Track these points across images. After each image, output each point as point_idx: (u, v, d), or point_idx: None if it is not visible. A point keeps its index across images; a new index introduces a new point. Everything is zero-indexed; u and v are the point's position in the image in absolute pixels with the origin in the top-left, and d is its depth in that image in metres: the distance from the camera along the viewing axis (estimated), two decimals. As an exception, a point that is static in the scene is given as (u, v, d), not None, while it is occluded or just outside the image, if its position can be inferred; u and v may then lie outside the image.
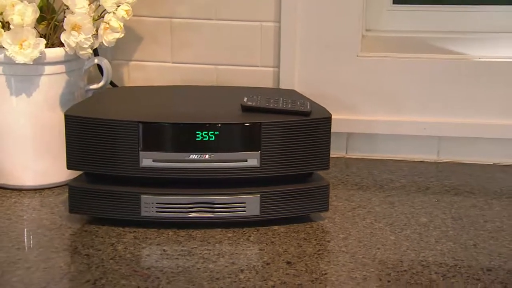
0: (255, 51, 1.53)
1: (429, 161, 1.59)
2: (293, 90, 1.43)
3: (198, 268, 1.10)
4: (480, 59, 1.52)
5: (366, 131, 1.54)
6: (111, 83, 1.42)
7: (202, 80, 1.55)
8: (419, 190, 1.43)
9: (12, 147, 1.32)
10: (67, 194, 1.32)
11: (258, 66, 1.54)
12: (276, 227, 1.24)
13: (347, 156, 1.59)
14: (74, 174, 1.35)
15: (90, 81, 1.40)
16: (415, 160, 1.59)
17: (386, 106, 1.53)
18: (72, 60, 1.32)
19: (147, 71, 1.55)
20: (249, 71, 1.54)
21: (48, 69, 1.29)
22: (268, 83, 1.55)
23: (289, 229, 1.24)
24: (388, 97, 1.53)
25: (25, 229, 1.22)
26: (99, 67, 1.42)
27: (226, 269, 1.10)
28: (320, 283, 1.07)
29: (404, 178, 1.49)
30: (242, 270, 1.10)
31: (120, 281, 1.05)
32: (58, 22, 1.34)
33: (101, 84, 1.39)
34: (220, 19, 1.52)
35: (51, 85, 1.30)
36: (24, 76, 1.28)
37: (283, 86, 1.52)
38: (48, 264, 1.11)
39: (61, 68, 1.31)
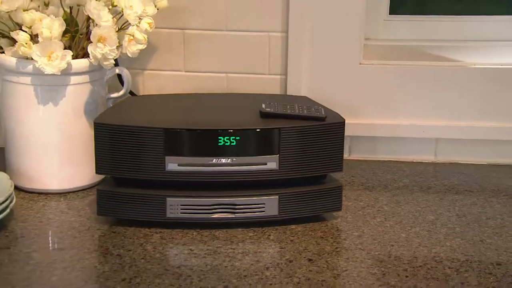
0: (264, 60, 1.52)
1: (427, 161, 1.59)
2: (305, 96, 1.42)
3: (226, 266, 1.09)
4: (475, 66, 1.52)
5: (368, 134, 1.54)
6: (130, 91, 1.41)
7: (213, 87, 1.54)
8: (421, 189, 1.43)
9: (39, 154, 1.30)
10: (91, 197, 1.32)
11: (266, 74, 1.53)
12: (293, 226, 1.24)
13: (350, 158, 1.59)
14: (96, 178, 1.35)
15: (110, 90, 1.39)
16: (414, 161, 1.59)
17: (386, 111, 1.53)
18: (95, 70, 1.30)
19: (160, 79, 1.54)
20: (257, 79, 1.53)
21: (73, 79, 1.28)
22: (276, 90, 1.54)
23: (306, 228, 1.23)
24: (388, 102, 1.53)
25: (57, 231, 1.21)
26: (118, 76, 1.40)
27: (252, 267, 1.09)
28: (342, 279, 1.07)
29: (406, 178, 1.49)
30: (267, 268, 1.09)
31: (154, 280, 1.05)
32: (80, 34, 1.33)
33: (121, 92, 1.38)
34: (230, 30, 1.51)
35: (76, 95, 1.29)
36: (51, 86, 1.27)
37: (290, 92, 1.52)
38: (83, 264, 1.09)
39: (86, 78, 1.30)
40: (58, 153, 1.30)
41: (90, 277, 1.05)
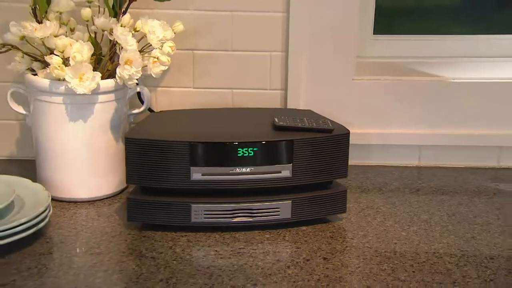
0: (265, 77, 1.54)
1: (411, 166, 1.62)
2: (310, 110, 1.44)
3: (251, 266, 1.11)
4: (453, 80, 1.55)
5: (360, 142, 1.56)
6: (148, 108, 1.42)
7: (220, 102, 1.55)
8: (411, 191, 1.46)
9: (69, 166, 1.31)
10: (116, 204, 1.33)
11: (268, 89, 1.55)
12: (304, 228, 1.25)
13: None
14: (120, 186, 1.36)
15: (130, 107, 1.40)
16: (400, 165, 1.61)
17: (376, 121, 1.56)
18: (119, 89, 1.31)
19: (171, 95, 1.55)
20: (260, 94, 1.55)
21: (101, 97, 1.28)
22: (277, 104, 1.56)
23: (315, 229, 1.25)
24: (377, 113, 1.56)
25: (91, 237, 1.20)
26: (137, 94, 1.41)
27: (274, 266, 1.11)
28: (357, 275, 1.09)
29: (396, 181, 1.51)
30: (288, 267, 1.11)
31: (188, 280, 1.06)
32: (102, 56, 1.34)
33: (142, 109, 1.39)
34: (235, 50, 1.53)
35: (103, 112, 1.30)
36: (81, 105, 1.27)
37: (290, 106, 1.53)
38: (121, 267, 1.10)
39: (111, 96, 1.30)
40: (86, 165, 1.31)
41: (130, 278, 1.06)
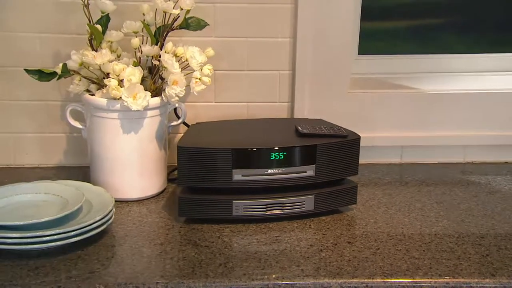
0: (275, 92, 1.57)
1: (395, 163, 1.67)
2: (320, 119, 1.48)
3: (290, 251, 1.14)
4: (430, 92, 1.61)
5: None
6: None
7: (237, 114, 1.57)
8: (402, 184, 1.50)
9: (121, 171, 1.32)
10: (162, 202, 1.35)
11: (277, 102, 1.58)
12: (324, 217, 1.29)
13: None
14: (163, 186, 1.38)
15: (169, 119, 1.42)
16: (386, 163, 1.66)
17: (366, 126, 1.59)
18: (163, 105, 1.33)
19: (196, 109, 1.57)
20: (270, 106, 1.58)
21: (149, 113, 1.30)
22: (284, 114, 1.59)
23: (333, 218, 1.29)
24: (367, 119, 1.60)
25: (150, 230, 1.22)
26: (174, 109, 1.43)
27: (309, 250, 1.14)
28: (379, 255, 1.13)
29: (387, 176, 1.56)
30: (321, 250, 1.14)
31: (242, 264, 1.08)
32: (145, 77, 1.35)
33: (179, 121, 1.41)
34: (250, 70, 1.56)
35: (150, 124, 1.31)
36: (132, 119, 1.29)
37: (296, 116, 1.57)
38: (183, 255, 1.12)
39: (157, 111, 1.32)
40: (136, 169, 1.32)
41: (194, 264, 1.08)
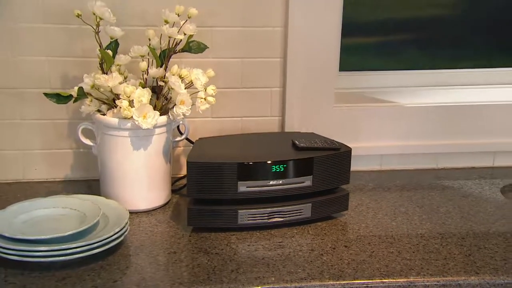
0: (267, 107, 1.59)
1: (375, 170, 1.70)
2: (313, 132, 1.50)
3: (294, 256, 1.16)
4: (408, 105, 1.65)
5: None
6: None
7: (232, 128, 1.59)
8: (384, 190, 1.54)
9: (131, 184, 1.33)
10: (168, 212, 1.36)
11: (268, 116, 1.61)
12: (320, 223, 1.31)
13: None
14: (168, 198, 1.39)
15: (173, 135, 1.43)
16: (367, 170, 1.70)
17: (350, 137, 1.63)
18: (169, 123, 1.35)
19: (195, 124, 1.58)
20: (263, 120, 1.60)
21: (157, 130, 1.32)
22: (275, 128, 1.62)
23: (328, 224, 1.32)
24: (351, 131, 1.63)
25: (162, 239, 1.23)
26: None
27: (311, 254, 1.17)
28: (375, 257, 1.16)
29: (371, 183, 1.59)
30: (321, 254, 1.17)
31: (252, 269, 1.10)
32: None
33: (183, 137, 1.43)
34: (243, 87, 1.58)
35: (158, 141, 1.33)
36: (141, 137, 1.30)
37: (286, 129, 1.60)
38: (196, 262, 1.13)
39: (164, 128, 1.34)
40: (144, 182, 1.33)
41: (208, 270, 1.09)
